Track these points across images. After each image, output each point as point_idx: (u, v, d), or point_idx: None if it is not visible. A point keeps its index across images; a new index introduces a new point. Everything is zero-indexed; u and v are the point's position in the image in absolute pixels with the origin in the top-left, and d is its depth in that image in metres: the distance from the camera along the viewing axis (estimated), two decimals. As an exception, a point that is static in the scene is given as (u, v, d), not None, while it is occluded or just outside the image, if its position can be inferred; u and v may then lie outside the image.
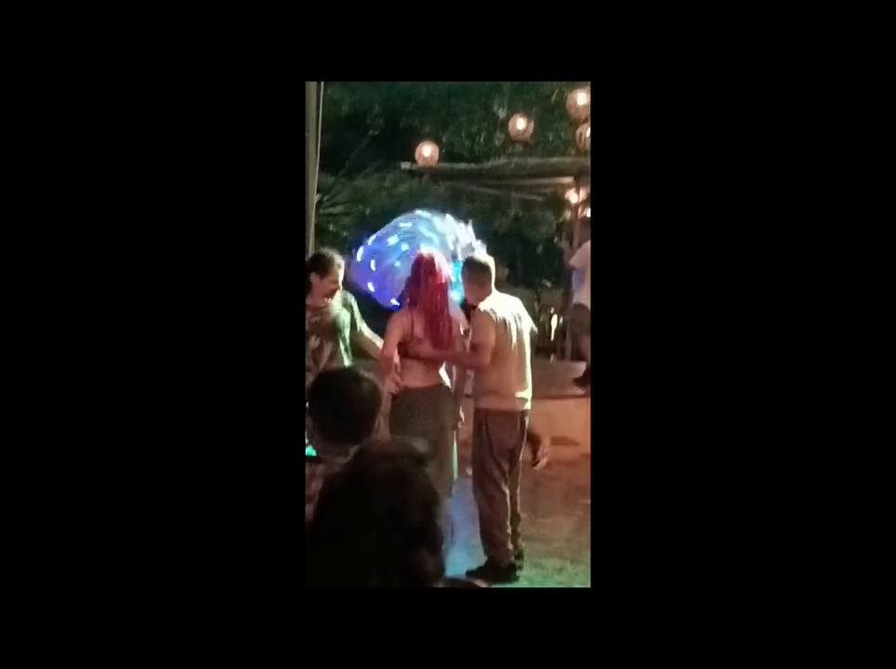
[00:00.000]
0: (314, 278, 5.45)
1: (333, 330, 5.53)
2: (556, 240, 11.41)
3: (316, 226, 9.97)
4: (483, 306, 5.48)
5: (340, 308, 5.62)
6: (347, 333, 5.62)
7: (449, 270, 5.65)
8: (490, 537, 5.55)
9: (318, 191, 10.46)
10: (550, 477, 7.43)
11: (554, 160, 12.47)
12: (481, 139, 13.90)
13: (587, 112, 11.70)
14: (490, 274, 5.59)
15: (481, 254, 5.93)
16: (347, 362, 5.57)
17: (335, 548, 2.33)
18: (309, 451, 3.11)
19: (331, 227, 12.75)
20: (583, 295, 9.00)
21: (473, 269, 5.58)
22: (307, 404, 2.93)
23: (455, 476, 5.59)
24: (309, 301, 5.41)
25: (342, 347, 5.58)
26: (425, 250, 5.70)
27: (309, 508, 2.55)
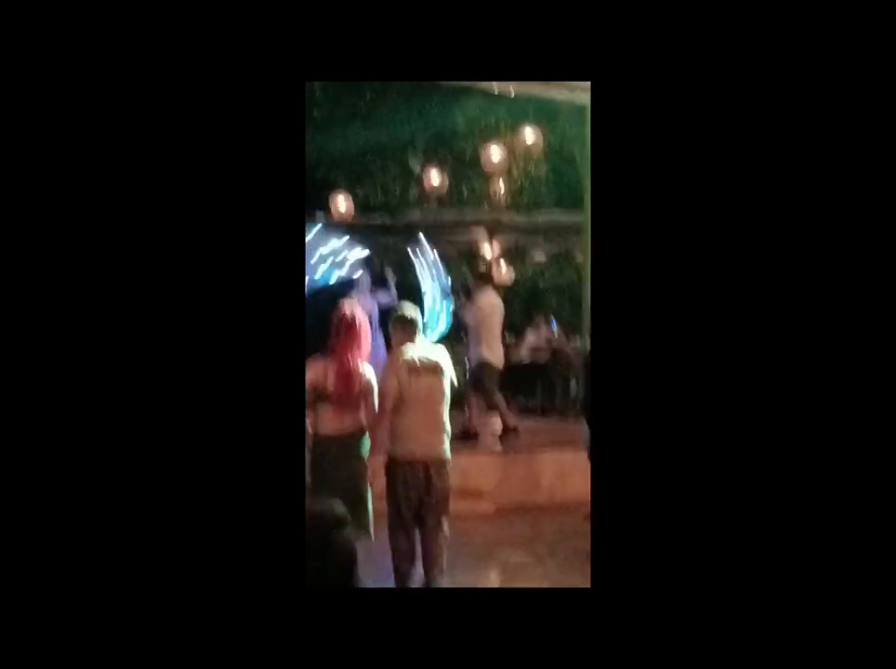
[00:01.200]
0: None
1: None
2: (452, 296, 11.43)
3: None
4: (392, 355, 5.56)
5: None
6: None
7: (366, 325, 5.70)
8: (398, 574, 5.42)
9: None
10: (463, 531, 7.38)
11: (469, 213, 12.59)
12: (397, 193, 13.97)
13: (501, 168, 11.86)
14: (415, 326, 5.62)
15: (407, 306, 5.94)
16: None
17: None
18: None
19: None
20: (483, 351, 9.05)
21: (399, 321, 5.68)
22: None
23: (371, 532, 5.50)
24: None
25: None
26: (347, 303, 5.73)
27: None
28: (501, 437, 9.35)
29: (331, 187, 12.96)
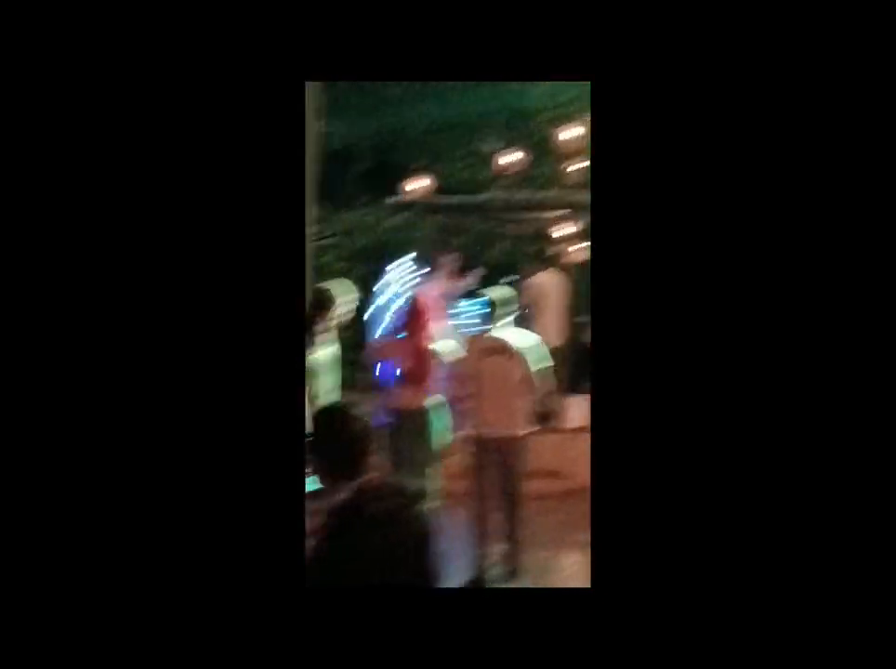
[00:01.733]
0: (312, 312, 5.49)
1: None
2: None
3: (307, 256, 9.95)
4: (465, 339, 6.09)
5: (327, 353, 5.57)
6: (323, 379, 5.54)
7: (437, 309, 6.24)
8: (477, 543, 6.03)
9: (310, 224, 10.45)
10: (542, 510, 7.43)
11: (542, 194, 12.54)
12: (470, 174, 13.97)
13: (574, 147, 11.78)
14: (496, 307, 6.01)
15: (491, 289, 6.45)
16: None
17: (332, 583, 2.33)
18: (311, 485, 3.12)
19: (323, 258, 12.77)
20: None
21: (483, 304, 6.19)
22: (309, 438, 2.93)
23: (438, 502, 5.85)
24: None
25: (313, 391, 5.48)
26: (420, 288, 6.49)
27: (309, 543, 2.57)
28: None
29: (406, 168, 13.04)
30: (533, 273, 9.92)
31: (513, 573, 6.01)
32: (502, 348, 5.97)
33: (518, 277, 11.05)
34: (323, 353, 5.55)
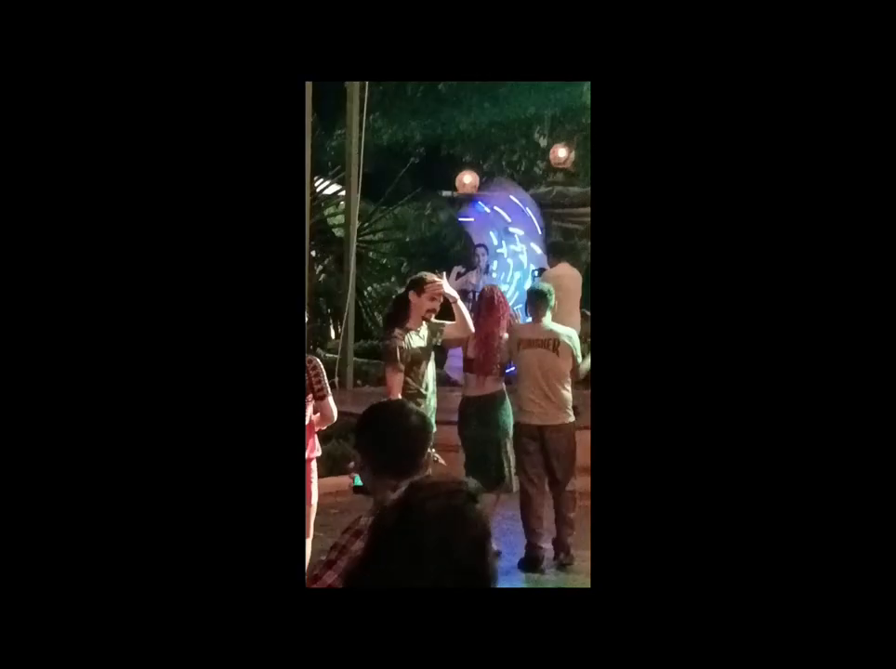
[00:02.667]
0: (412, 296, 5.55)
1: (407, 360, 5.44)
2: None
3: (356, 253, 9.98)
4: (511, 328, 6.44)
5: (424, 342, 5.59)
6: (423, 369, 5.56)
7: (505, 301, 6.56)
8: (527, 531, 6.38)
9: (358, 219, 10.49)
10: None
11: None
12: (522, 168, 13.90)
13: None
14: (544, 300, 6.35)
15: (539, 282, 7.15)
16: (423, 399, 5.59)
17: (384, 584, 2.27)
18: (358, 481, 3.09)
19: (371, 254, 12.79)
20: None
21: (530, 296, 6.59)
22: (356, 436, 2.89)
23: (511, 484, 6.35)
24: (409, 323, 5.53)
25: (416, 382, 5.50)
26: (488, 285, 6.97)
27: (360, 544, 2.53)
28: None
29: (458, 162, 12.99)
30: (553, 265, 9.91)
31: (565, 561, 6.28)
32: (547, 341, 6.28)
33: (540, 268, 11.00)
34: (420, 341, 5.58)
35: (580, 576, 5.76)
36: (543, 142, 13.61)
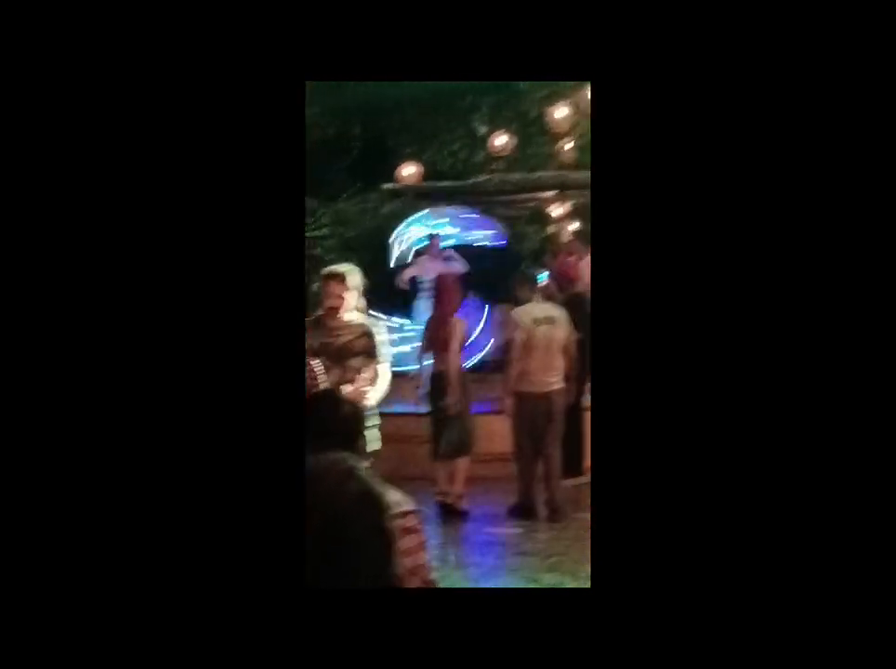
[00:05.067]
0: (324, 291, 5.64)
1: (339, 355, 5.43)
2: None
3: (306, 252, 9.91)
4: (515, 311, 7.38)
5: (356, 334, 5.63)
6: (356, 363, 5.59)
7: (457, 286, 7.64)
8: (522, 484, 7.38)
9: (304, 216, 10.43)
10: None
11: (536, 175, 12.47)
12: (463, 157, 13.89)
13: (567, 126, 11.70)
14: (536, 283, 7.52)
15: (527, 268, 8.31)
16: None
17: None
18: None
19: (317, 250, 12.71)
20: None
21: (522, 279, 7.54)
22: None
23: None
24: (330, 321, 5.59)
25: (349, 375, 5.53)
26: (444, 272, 8.13)
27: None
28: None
29: (396, 154, 12.94)
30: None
31: (554, 518, 7.23)
32: (552, 319, 7.22)
33: None
34: (339, 342, 5.69)
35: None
36: (482, 131, 13.61)
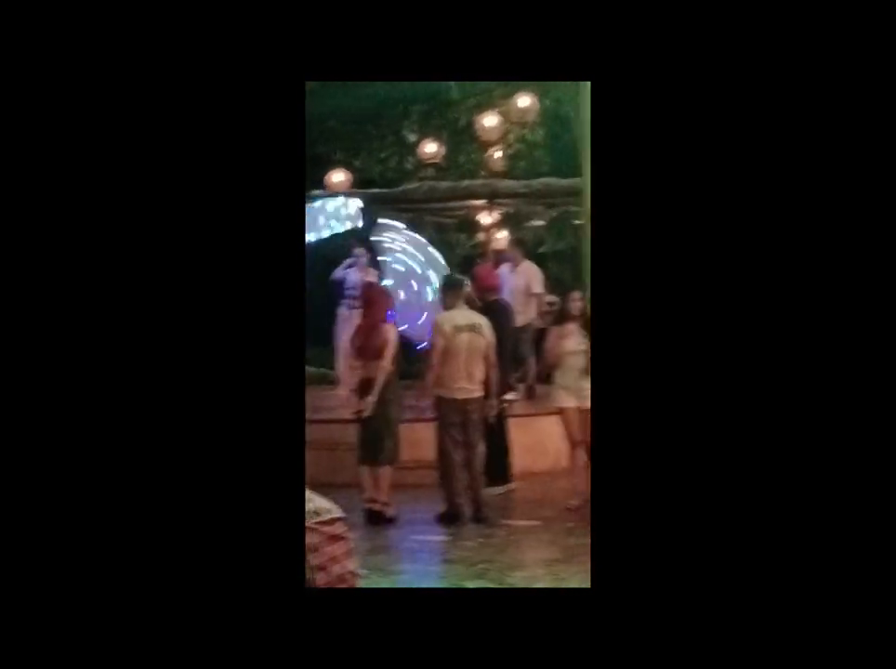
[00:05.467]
0: None
1: None
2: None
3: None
4: (437, 317, 7.57)
5: None
6: None
7: (386, 293, 8.00)
8: (448, 491, 7.45)
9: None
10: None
11: (466, 183, 12.55)
12: (393, 164, 13.92)
13: (497, 135, 11.80)
14: (461, 289, 7.53)
15: (455, 273, 8.47)
16: None
17: None
18: None
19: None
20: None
21: (448, 285, 7.70)
22: None
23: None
24: None
25: None
26: (370, 281, 8.51)
27: None
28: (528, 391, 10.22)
29: (326, 161, 12.91)
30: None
31: (480, 517, 7.32)
32: (474, 326, 7.31)
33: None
34: None
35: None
36: (412, 138, 13.66)
